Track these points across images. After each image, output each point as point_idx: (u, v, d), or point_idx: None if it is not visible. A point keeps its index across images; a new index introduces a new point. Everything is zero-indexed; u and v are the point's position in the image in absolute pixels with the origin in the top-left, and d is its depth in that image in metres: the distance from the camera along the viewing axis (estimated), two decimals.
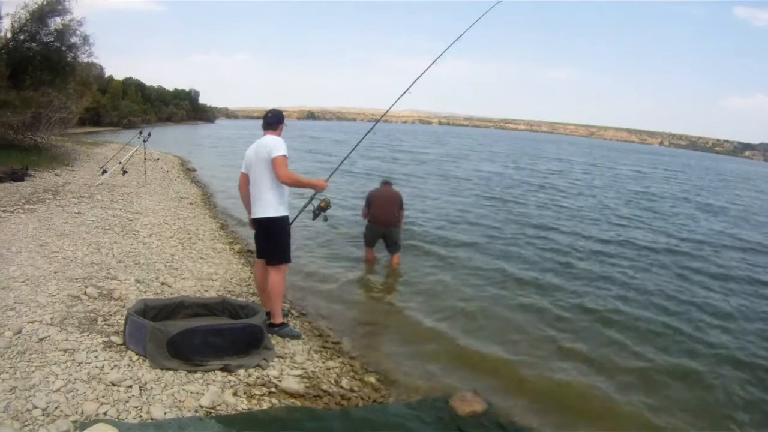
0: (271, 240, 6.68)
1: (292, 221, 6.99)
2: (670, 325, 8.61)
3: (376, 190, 11.59)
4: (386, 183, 11.75)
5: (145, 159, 19.49)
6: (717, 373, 7.14)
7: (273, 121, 6.78)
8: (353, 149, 8.82)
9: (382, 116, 9.50)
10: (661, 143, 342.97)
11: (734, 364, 7.43)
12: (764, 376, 7.12)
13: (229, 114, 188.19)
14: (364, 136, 8.87)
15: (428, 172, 29.62)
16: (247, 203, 6.93)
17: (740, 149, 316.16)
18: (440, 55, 8.97)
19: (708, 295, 10.40)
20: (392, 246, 11.31)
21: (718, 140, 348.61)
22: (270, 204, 6.47)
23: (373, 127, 9.16)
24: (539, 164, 43.17)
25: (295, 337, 6.84)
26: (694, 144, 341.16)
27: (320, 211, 7.53)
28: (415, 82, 8.86)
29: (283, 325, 6.85)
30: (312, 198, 7.59)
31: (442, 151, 52.33)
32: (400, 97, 8.88)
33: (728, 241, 15.84)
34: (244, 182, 6.84)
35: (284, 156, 6.33)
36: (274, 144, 6.40)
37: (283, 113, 7.02)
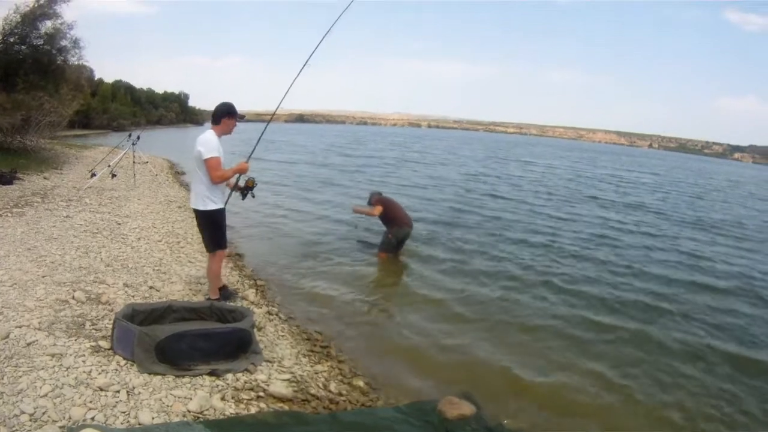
0: (204, 230, 7.32)
1: (226, 202, 7.44)
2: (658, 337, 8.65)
3: (383, 198, 12.27)
4: (379, 193, 12.43)
5: (134, 162, 19.35)
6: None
7: (216, 114, 7.06)
8: (257, 142, 8.80)
9: (271, 118, 9.64)
10: (650, 146, 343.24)
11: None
12: None
13: None
14: (261, 135, 8.91)
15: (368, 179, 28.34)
16: None
17: (730, 151, 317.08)
18: (311, 55, 9.09)
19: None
20: (403, 245, 12.14)
21: (707, 142, 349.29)
22: (200, 197, 7.01)
23: (266, 127, 9.29)
24: (498, 168, 41.96)
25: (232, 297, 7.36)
26: (684, 146, 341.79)
27: (247, 190, 7.81)
28: (291, 85, 9.09)
29: (218, 299, 7.34)
30: (237, 180, 7.80)
31: (399, 155, 50.82)
32: (281, 102, 9.21)
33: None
34: None
35: (213, 157, 6.79)
36: (206, 146, 6.79)
37: (233, 107, 7.21)
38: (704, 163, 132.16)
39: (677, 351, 7.86)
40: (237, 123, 7.27)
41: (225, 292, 7.70)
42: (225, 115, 7.02)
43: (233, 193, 7.86)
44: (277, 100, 9.05)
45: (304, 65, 8.95)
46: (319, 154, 44.77)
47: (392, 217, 11.89)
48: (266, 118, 8.55)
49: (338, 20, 9.32)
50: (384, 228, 12.14)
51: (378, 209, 11.77)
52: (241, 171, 7.41)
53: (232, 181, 7.65)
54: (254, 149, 8.47)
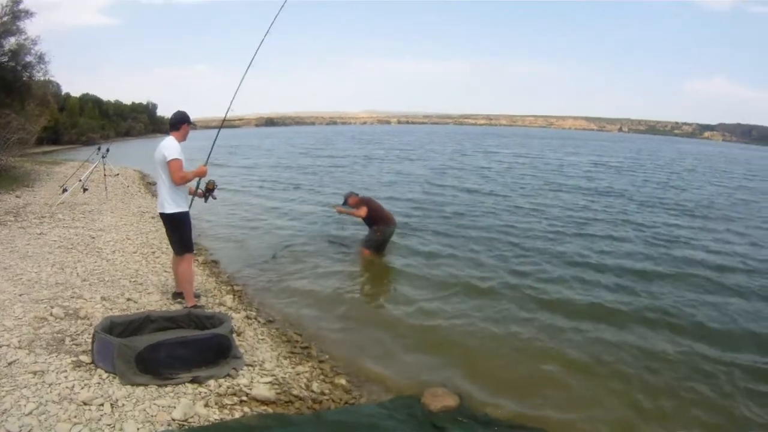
0: (171, 233, 7.62)
1: (189, 206, 7.71)
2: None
3: (364, 198, 12.17)
4: (355, 194, 12.24)
5: (105, 175, 19.28)
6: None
7: (174, 122, 7.50)
8: (212, 147, 8.90)
9: (222, 122, 9.64)
10: (620, 129, 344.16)
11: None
12: None
13: None
14: (214, 141, 9.01)
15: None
16: None
17: (699, 131, 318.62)
18: (253, 57, 9.39)
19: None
20: (387, 243, 12.16)
21: (677, 123, 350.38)
22: (167, 201, 7.34)
23: (218, 133, 9.37)
24: (464, 160, 41.24)
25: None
26: (654, 128, 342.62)
27: (208, 193, 8.12)
28: (239, 87, 9.38)
29: (194, 306, 7.51)
30: (198, 183, 8.06)
31: (367, 153, 49.65)
32: (230, 106, 9.44)
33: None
34: None
35: (176, 159, 7.15)
36: (168, 149, 7.16)
37: (188, 115, 7.64)
38: (675, 143, 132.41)
39: (654, 342, 7.89)
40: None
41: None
42: (183, 122, 7.46)
43: (195, 198, 8.07)
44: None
45: (248, 67, 9.31)
46: (285, 157, 44.45)
47: (379, 216, 11.89)
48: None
49: (276, 21, 9.46)
50: (366, 228, 12.17)
51: (363, 210, 11.69)
52: (200, 174, 7.80)
53: (193, 186, 7.92)
54: (210, 153, 8.59)
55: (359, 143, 70.31)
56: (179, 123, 7.45)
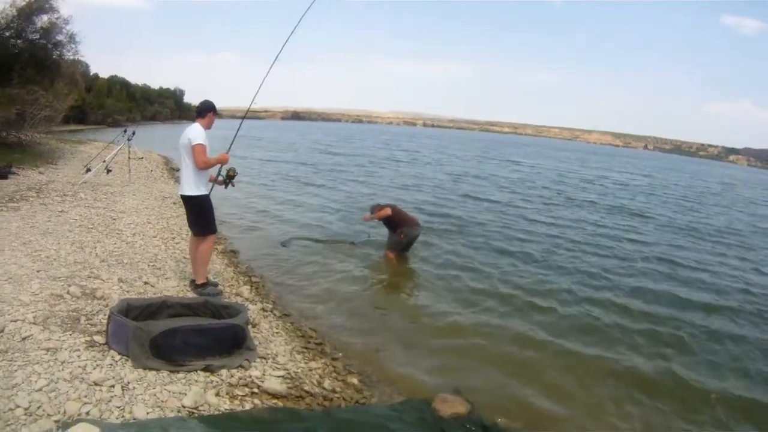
0: (193, 215, 7.85)
1: (209, 192, 7.85)
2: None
3: (388, 203, 12.44)
4: (379, 204, 12.42)
5: (129, 158, 19.30)
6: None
7: (201, 109, 7.78)
8: (234, 137, 8.92)
9: (246, 113, 9.71)
10: (645, 147, 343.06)
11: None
12: None
13: None
14: (237, 131, 9.08)
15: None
16: None
17: (725, 154, 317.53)
18: (280, 50, 9.33)
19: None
20: (411, 246, 12.22)
21: (702, 144, 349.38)
22: (188, 184, 7.59)
23: (241, 124, 9.48)
24: (484, 168, 40.93)
25: (217, 295, 7.67)
26: (679, 148, 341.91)
27: (229, 179, 8.25)
28: (263, 81, 9.30)
29: (204, 285, 7.88)
30: (219, 170, 8.20)
31: (386, 154, 49.29)
32: (254, 99, 9.32)
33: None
34: None
35: (200, 144, 7.38)
36: (194, 134, 7.41)
37: (214, 104, 7.92)
38: (699, 165, 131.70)
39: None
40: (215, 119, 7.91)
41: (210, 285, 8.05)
42: (210, 110, 7.72)
43: (215, 185, 8.17)
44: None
45: (274, 61, 9.26)
46: (306, 153, 44.65)
47: (402, 219, 12.00)
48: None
49: (305, 17, 9.50)
50: (388, 233, 12.23)
51: (388, 210, 11.87)
52: (222, 161, 8.01)
53: (213, 174, 8.08)
54: (232, 143, 8.68)
55: (382, 143, 70.15)
56: (205, 111, 7.72)
